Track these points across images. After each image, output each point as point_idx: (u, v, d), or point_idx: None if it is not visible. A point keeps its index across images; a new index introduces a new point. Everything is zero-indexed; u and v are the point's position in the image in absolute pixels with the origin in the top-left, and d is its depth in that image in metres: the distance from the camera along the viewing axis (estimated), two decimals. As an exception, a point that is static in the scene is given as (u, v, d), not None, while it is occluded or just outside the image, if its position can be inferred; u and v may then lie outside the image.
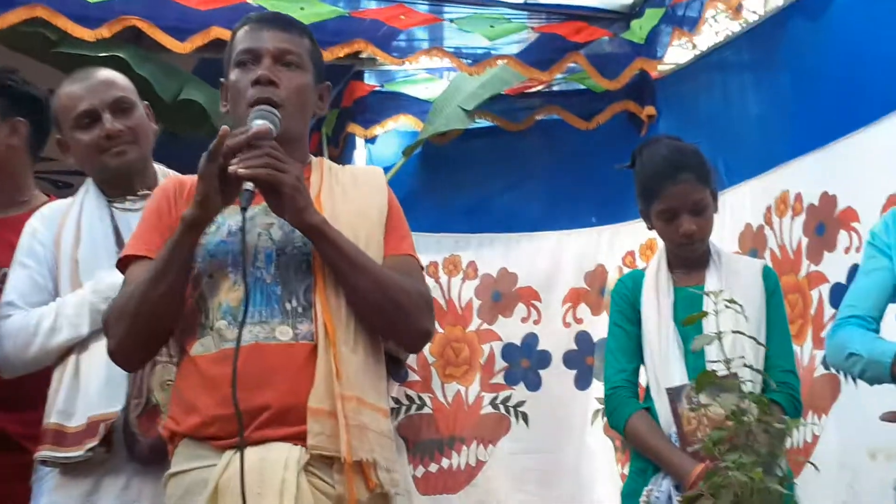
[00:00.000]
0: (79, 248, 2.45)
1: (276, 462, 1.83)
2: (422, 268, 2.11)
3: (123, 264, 2.07)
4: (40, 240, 2.49)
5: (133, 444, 2.29)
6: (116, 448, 2.32)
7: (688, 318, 2.31)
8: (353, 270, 1.93)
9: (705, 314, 2.26)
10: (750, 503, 1.97)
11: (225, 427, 1.84)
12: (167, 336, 2.04)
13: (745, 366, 2.13)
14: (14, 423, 2.50)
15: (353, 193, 2.08)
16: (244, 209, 1.85)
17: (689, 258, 2.69)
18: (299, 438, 1.86)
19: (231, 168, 1.85)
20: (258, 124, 1.91)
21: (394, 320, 1.99)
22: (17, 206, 2.80)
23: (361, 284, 1.94)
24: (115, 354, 2.03)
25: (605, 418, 4.12)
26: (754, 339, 2.31)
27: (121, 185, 2.52)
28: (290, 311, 1.93)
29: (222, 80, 2.10)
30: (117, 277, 2.33)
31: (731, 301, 2.23)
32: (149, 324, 1.96)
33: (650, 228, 2.74)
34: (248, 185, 1.85)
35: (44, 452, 2.34)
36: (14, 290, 2.47)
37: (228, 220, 1.96)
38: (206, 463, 1.88)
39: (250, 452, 1.82)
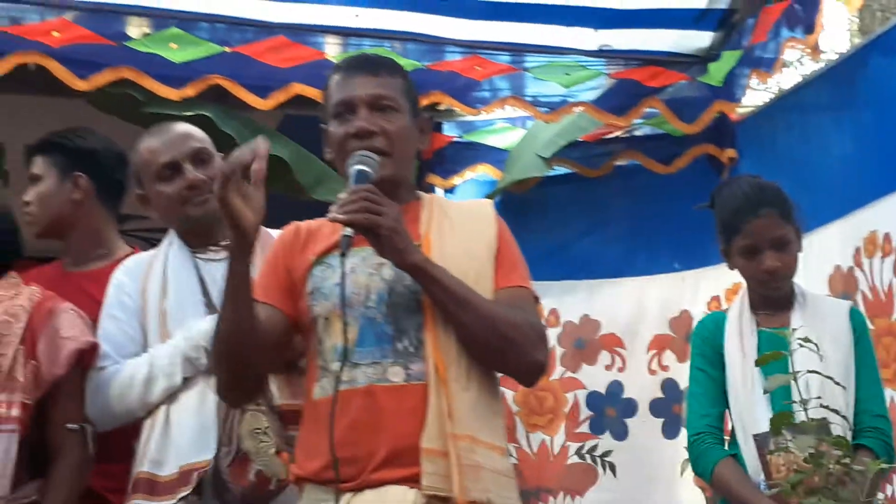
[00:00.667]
0: (166, 299, 2.50)
1: None
2: (536, 298, 2.08)
3: None
4: (127, 292, 2.55)
5: (224, 493, 2.31)
6: (206, 497, 2.34)
7: (761, 358, 2.25)
8: (459, 307, 1.93)
9: (780, 354, 2.20)
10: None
11: (343, 470, 1.86)
12: (258, 369, 2.06)
13: (822, 406, 2.07)
14: (96, 475, 2.54)
15: (462, 230, 2.08)
16: (343, 255, 1.88)
17: (773, 298, 2.63)
18: (415, 480, 1.86)
19: (330, 215, 1.90)
20: (357, 169, 1.95)
21: (505, 355, 1.97)
22: (97, 259, 2.88)
23: (468, 321, 1.93)
24: (218, 393, 2.12)
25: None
26: (831, 378, 2.24)
27: (203, 235, 2.56)
28: (402, 351, 1.94)
29: (323, 125, 2.14)
30: (208, 325, 2.38)
31: (806, 340, 2.17)
32: (230, 358, 1.99)
33: (731, 268, 2.69)
34: (348, 231, 1.88)
35: (136, 502, 2.37)
36: (107, 342, 2.52)
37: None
38: None
39: (367, 494, 1.87)
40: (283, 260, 2.09)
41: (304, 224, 2.15)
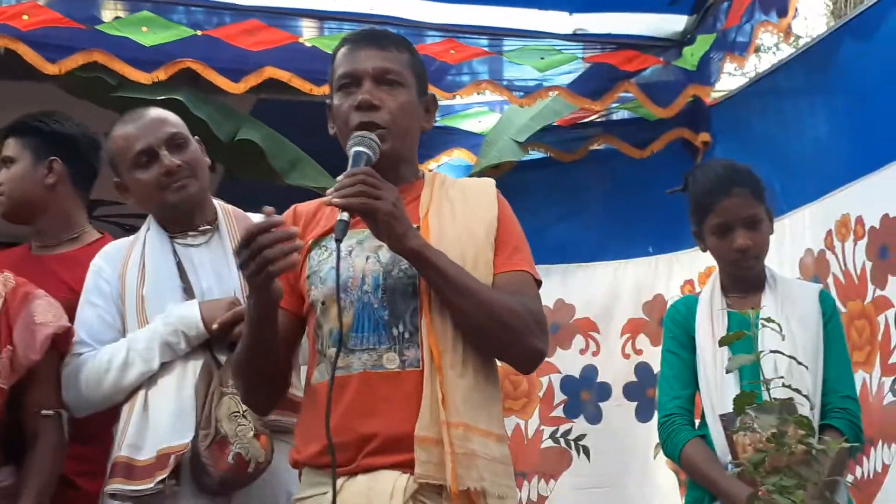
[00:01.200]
0: (144, 285, 2.49)
1: (383, 491, 1.85)
2: (539, 282, 2.04)
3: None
4: (106, 278, 2.54)
5: (202, 476, 2.31)
6: (184, 480, 2.34)
7: (723, 338, 2.26)
8: (457, 293, 1.90)
9: (743, 335, 2.22)
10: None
11: (339, 455, 1.85)
12: (284, 386, 2.10)
13: (785, 386, 2.08)
14: (67, 459, 2.53)
15: (462, 211, 2.04)
16: (339, 240, 1.85)
17: (744, 279, 2.65)
18: (409, 466, 1.86)
19: (325, 199, 1.88)
20: (356, 151, 1.93)
21: (502, 342, 1.95)
22: (67, 243, 2.88)
23: (466, 307, 1.91)
24: (245, 403, 2.18)
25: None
26: (794, 358, 2.26)
27: (182, 220, 2.55)
28: (398, 337, 1.93)
29: (328, 101, 2.11)
30: (187, 310, 2.37)
31: (769, 320, 2.19)
32: (260, 381, 2.03)
33: (704, 250, 2.71)
34: (344, 216, 1.86)
35: (114, 486, 2.37)
36: (83, 328, 2.51)
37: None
38: (321, 490, 1.90)
39: (360, 479, 1.86)
40: None
41: (303, 206, 2.13)
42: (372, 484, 1.86)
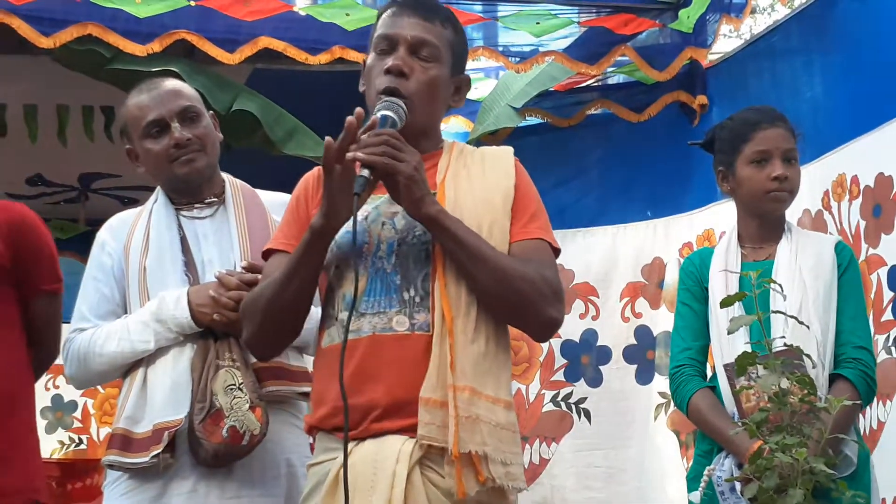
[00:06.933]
0: (147, 256, 2.51)
1: (388, 456, 1.85)
2: (555, 250, 2.04)
3: (265, 256, 2.10)
4: (108, 251, 2.55)
5: (197, 449, 2.33)
6: (181, 453, 2.37)
7: (723, 300, 2.26)
8: (472, 261, 1.90)
9: (744, 295, 2.21)
10: (795, 485, 1.92)
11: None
12: (297, 331, 2.06)
13: (787, 345, 2.08)
14: None
15: (479, 179, 2.03)
16: (357, 194, 1.84)
17: (766, 223, 2.61)
18: (415, 430, 1.85)
19: (349, 154, 1.86)
20: (383, 115, 1.91)
21: (516, 309, 1.94)
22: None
23: (479, 274, 1.90)
24: (249, 344, 2.11)
25: (668, 411, 4.13)
26: (795, 318, 2.26)
27: (189, 193, 2.56)
28: (408, 301, 1.92)
29: (365, 59, 2.10)
30: (176, 311, 2.39)
31: (771, 282, 2.19)
32: (277, 321, 2.00)
33: (726, 191, 2.67)
34: (365, 172, 1.85)
35: (110, 457, 2.40)
36: (85, 304, 2.54)
37: None
38: (332, 456, 1.90)
39: (367, 444, 1.87)
40: (306, 203, 2.07)
41: (320, 172, 2.09)
42: (379, 448, 1.86)
